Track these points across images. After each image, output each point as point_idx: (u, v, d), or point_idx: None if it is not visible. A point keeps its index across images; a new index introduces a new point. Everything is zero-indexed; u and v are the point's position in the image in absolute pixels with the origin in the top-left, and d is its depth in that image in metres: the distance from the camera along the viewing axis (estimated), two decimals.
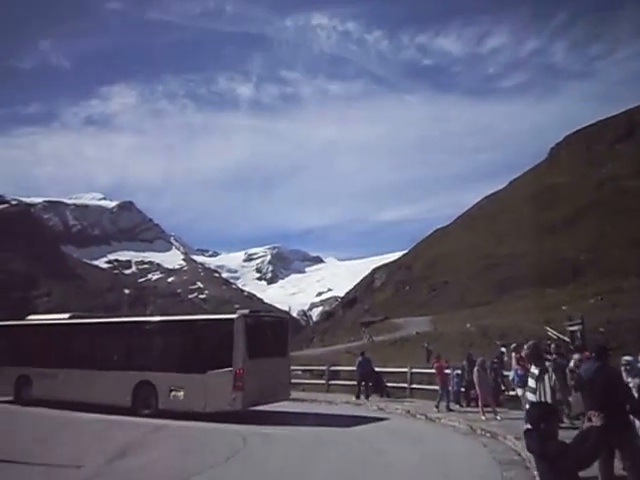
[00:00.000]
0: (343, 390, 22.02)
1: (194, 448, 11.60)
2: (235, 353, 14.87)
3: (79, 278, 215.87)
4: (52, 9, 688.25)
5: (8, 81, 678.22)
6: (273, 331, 17.23)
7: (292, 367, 26.50)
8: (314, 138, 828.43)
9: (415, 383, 20.62)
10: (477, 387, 15.36)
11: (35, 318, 21.62)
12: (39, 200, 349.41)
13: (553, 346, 15.81)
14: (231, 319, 15.56)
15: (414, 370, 21.03)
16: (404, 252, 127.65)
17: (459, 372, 17.88)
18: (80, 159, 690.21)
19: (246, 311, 16.11)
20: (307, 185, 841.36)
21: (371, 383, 20.97)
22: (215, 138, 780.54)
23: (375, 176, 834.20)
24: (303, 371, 26.73)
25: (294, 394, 22.26)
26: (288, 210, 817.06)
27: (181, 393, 15.47)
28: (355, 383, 20.94)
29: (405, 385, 20.64)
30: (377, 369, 21.62)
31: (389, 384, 21.14)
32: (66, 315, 20.40)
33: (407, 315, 72.75)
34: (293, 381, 24.82)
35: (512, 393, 15.46)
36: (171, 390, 15.61)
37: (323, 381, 23.55)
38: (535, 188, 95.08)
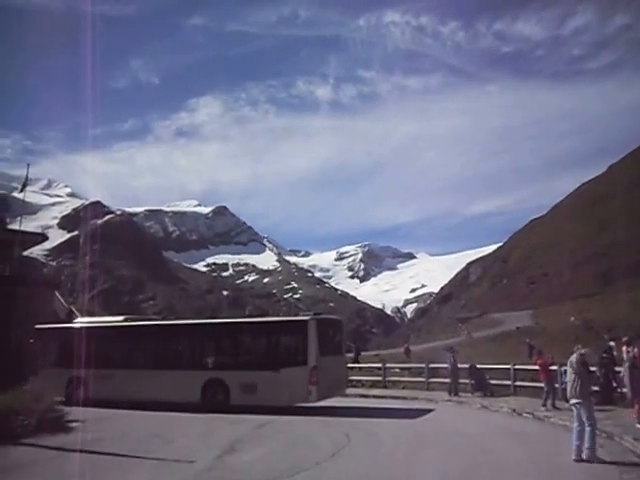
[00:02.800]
0: (443, 388, 21.65)
1: (299, 444, 11.81)
2: (309, 351, 16.35)
3: (181, 281, 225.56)
4: (140, 31, 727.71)
5: (106, 101, 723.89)
6: (334, 331, 18.77)
7: (390, 365, 26.56)
8: (395, 134, 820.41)
9: (518, 380, 19.97)
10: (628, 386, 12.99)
11: (83, 321, 21.76)
12: (140, 209, 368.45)
13: None
14: (304, 321, 17.08)
15: (517, 367, 20.37)
16: (499, 245, 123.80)
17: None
18: (173, 169, 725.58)
19: (310, 313, 17.86)
20: (392, 181, 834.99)
21: (473, 380, 20.59)
22: (297, 140, 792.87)
23: (460, 169, 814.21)
24: (401, 369, 26.56)
25: (395, 392, 22.29)
26: (375, 207, 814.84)
27: (254, 389, 16.70)
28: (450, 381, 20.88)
29: (508, 382, 20.01)
30: (479, 366, 21.14)
31: (491, 381, 20.59)
32: (120, 318, 21.04)
33: (505, 310, 70.61)
34: (392, 379, 24.87)
35: (624, 390, 14.58)
36: (243, 386, 16.81)
37: (422, 379, 23.26)
38: (636, 173, 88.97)
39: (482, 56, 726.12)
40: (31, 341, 12.25)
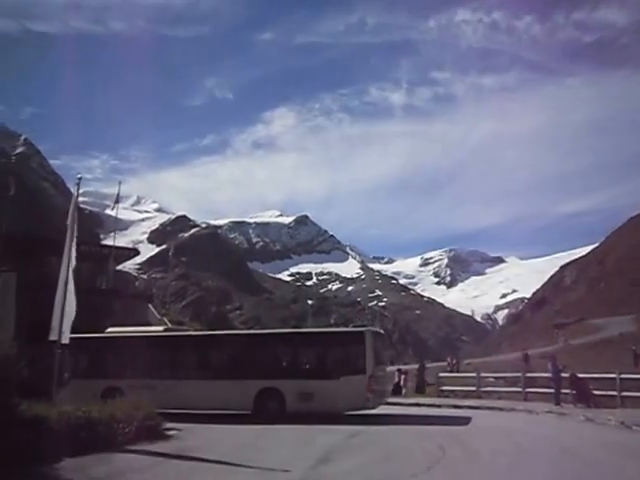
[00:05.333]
0: (541, 398, 20.67)
1: (394, 455, 11.55)
2: (367, 360, 17.17)
3: (266, 291, 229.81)
4: (213, 50, 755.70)
5: (185, 119, 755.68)
6: (381, 342, 20.04)
7: (484, 374, 25.66)
8: (473, 135, 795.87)
9: (624, 390, 18.69)
10: None
11: (117, 330, 21.08)
12: (224, 221, 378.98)
13: None
14: (362, 332, 17.97)
15: (623, 376, 19.07)
16: (594, 246, 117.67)
17: None
18: (253, 181, 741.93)
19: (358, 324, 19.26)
20: (474, 183, 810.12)
21: (574, 391, 19.52)
22: (373, 147, 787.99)
23: (544, 167, 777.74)
24: (496, 378, 25.61)
25: (490, 402, 21.48)
26: (458, 210, 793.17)
27: (311, 397, 17.19)
28: (553, 391, 19.88)
29: (614, 393, 18.76)
30: (580, 375, 19.98)
31: (595, 392, 19.39)
32: (160, 328, 21.19)
33: (604, 315, 66.93)
34: (487, 389, 24.00)
35: None
36: (300, 394, 17.24)
37: (519, 389, 22.28)
38: None
39: (561, 49, 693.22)
40: (59, 351, 11.95)
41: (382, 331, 21.77)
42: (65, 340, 13.15)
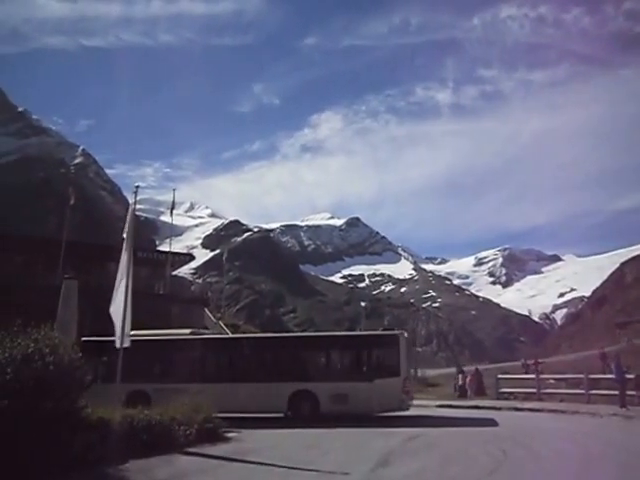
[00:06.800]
0: (605, 400, 19.91)
1: (454, 458, 11.32)
2: (402, 363, 17.78)
3: (319, 294, 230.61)
4: (258, 57, 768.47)
5: (233, 125, 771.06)
6: (409, 346, 20.25)
7: (544, 376, 24.99)
8: (524, 132, 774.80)
9: None
10: None
11: (139, 333, 19.83)
12: (276, 225, 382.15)
13: None
14: (396, 335, 18.55)
15: None
16: None
17: None
18: (302, 184, 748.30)
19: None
20: (525, 181, 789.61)
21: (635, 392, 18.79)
22: (421, 147, 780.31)
23: (600, 162, 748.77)
24: (557, 380, 24.86)
25: (551, 405, 20.85)
26: (511, 209, 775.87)
27: (346, 399, 17.51)
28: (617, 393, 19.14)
29: None
30: None
31: None
32: (187, 331, 20.71)
33: None
34: (548, 391, 23.32)
35: None
36: (334, 397, 17.57)
37: (582, 391, 21.55)
38: None
39: (612, 40, 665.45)
40: (79, 355, 11.65)
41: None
42: (126, 344, 13.47)
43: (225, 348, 20.57)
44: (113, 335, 13.40)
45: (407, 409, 17.87)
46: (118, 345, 13.09)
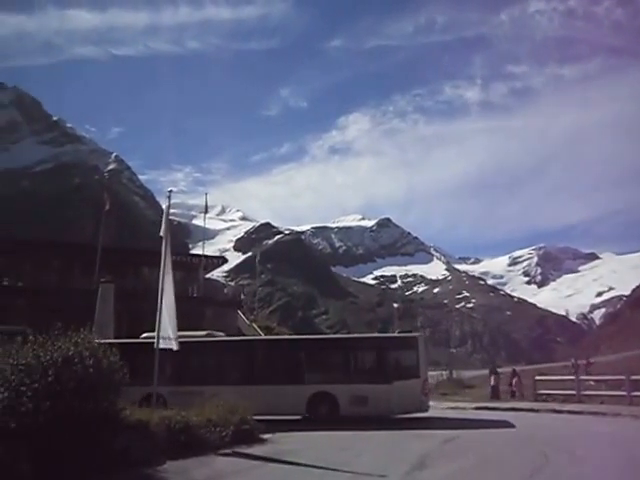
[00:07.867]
0: None
1: (492, 462, 11.12)
2: (421, 365, 18.10)
3: (351, 295, 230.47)
4: (285, 60, 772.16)
5: (261, 129, 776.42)
6: (426, 347, 19.79)
7: (583, 377, 24.45)
8: (555, 127, 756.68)
9: None
10: None
11: (151, 335, 20.58)
12: (307, 227, 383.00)
13: None
14: (415, 337, 19.02)
15: None
16: None
17: None
18: (331, 186, 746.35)
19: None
20: (558, 178, 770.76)
21: None
22: (450, 146, 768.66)
23: (634, 157, 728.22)
24: (596, 381, 24.30)
25: (592, 407, 20.38)
26: (544, 206, 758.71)
27: (365, 401, 17.63)
28: None
29: None
30: None
31: None
32: (203, 332, 20.45)
33: None
34: (588, 393, 22.80)
35: None
36: (353, 399, 17.64)
37: (623, 393, 21.00)
38: None
39: None
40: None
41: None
42: (175, 346, 13.79)
43: (241, 350, 20.36)
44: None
45: (426, 410, 18.01)
46: (163, 347, 13.42)
